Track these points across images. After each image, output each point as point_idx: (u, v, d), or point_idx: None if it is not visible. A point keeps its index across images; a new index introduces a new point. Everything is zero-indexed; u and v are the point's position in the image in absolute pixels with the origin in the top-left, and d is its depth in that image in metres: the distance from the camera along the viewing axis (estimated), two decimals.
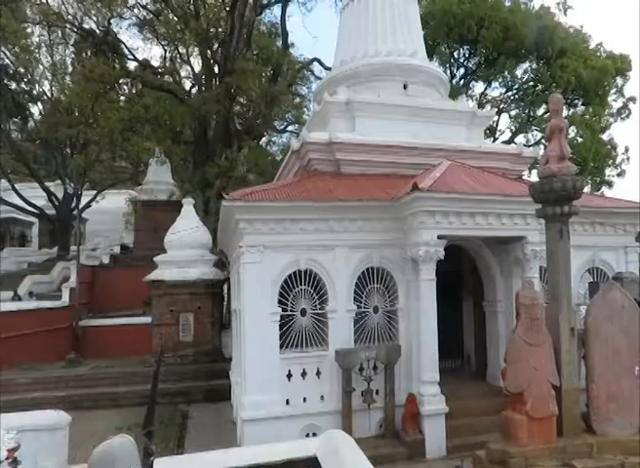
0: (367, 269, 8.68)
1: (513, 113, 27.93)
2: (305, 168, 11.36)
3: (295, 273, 8.38)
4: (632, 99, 25.06)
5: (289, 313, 8.29)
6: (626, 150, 25.23)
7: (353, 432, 7.46)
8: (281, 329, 8.17)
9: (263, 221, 8.22)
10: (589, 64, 23.05)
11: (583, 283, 9.54)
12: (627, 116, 25.10)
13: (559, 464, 5.48)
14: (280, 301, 8.25)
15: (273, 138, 30.03)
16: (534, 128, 26.65)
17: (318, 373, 8.07)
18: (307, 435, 7.57)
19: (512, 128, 26.74)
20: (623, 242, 10.13)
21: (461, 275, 11.02)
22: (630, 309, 6.30)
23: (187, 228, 13.91)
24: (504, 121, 28.71)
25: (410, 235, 8.42)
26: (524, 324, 5.85)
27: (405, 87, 12.54)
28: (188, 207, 15.49)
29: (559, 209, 6.24)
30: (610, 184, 24.65)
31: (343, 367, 7.70)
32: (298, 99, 27.49)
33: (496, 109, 22.17)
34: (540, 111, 26.24)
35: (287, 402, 7.85)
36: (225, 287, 14.68)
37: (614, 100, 25.45)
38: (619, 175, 25.05)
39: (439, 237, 7.99)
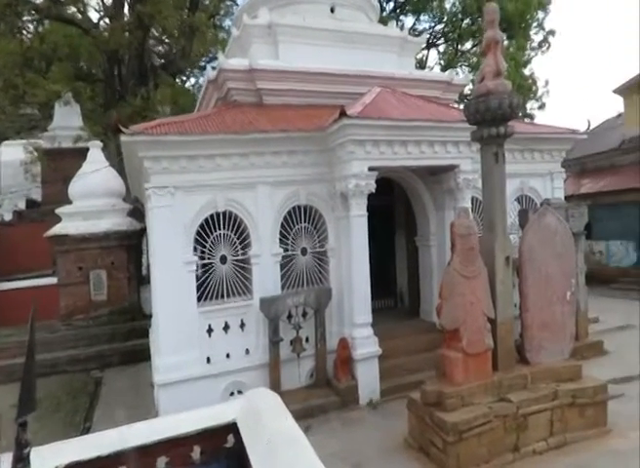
0: (293, 208, 7.89)
1: (442, 49, 27.45)
2: (224, 99, 10.15)
3: (212, 216, 7.41)
4: (552, 33, 25.30)
5: (207, 261, 7.40)
6: (546, 83, 25.79)
7: (282, 384, 7.00)
8: (199, 279, 7.29)
9: (173, 159, 7.08)
10: None
11: (513, 212, 9.42)
12: (547, 49, 25.41)
13: (495, 400, 5.29)
14: (196, 249, 7.31)
15: (200, 80, 27.64)
16: (461, 64, 26.37)
17: (242, 326, 7.36)
18: (232, 393, 6.96)
19: (441, 63, 26.27)
20: (550, 168, 10.07)
21: (393, 209, 10.59)
22: (564, 234, 6.07)
23: (95, 174, 12.26)
24: (433, 57, 28.22)
25: (339, 168, 7.67)
26: (459, 255, 5.41)
27: (332, 10, 11.43)
28: (95, 150, 13.66)
29: (495, 130, 5.72)
30: (532, 117, 25.21)
31: (270, 316, 7.04)
32: (223, 35, 25.19)
33: (426, 37, 21.38)
34: (468, 45, 25.92)
35: (208, 360, 7.11)
36: (145, 238, 13.41)
37: (535, 34, 25.57)
38: (540, 107, 25.68)
39: (370, 169, 7.31)
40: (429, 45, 26.12)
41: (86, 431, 6.96)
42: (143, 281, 12.60)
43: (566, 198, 10.43)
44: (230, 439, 2.97)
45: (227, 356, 7.25)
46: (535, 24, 25.21)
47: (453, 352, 5.41)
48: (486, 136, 5.79)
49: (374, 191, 7.40)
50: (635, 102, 17.71)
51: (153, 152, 6.93)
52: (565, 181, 10.47)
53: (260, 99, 9.76)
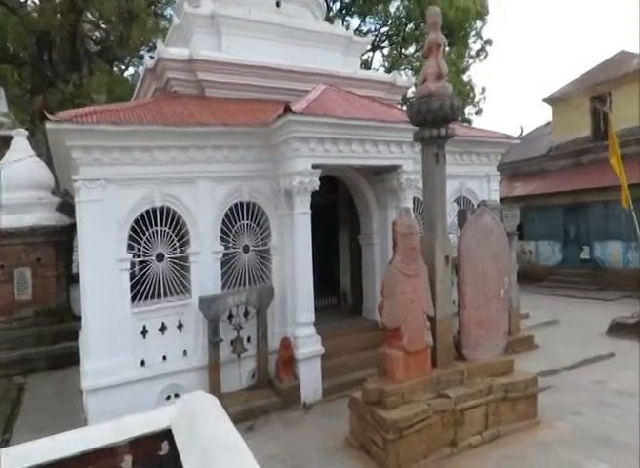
0: (235, 204, 7.65)
1: (386, 51, 28.03)
2: (163, 89, 9.70)
3: (148, 212, 7.01)
4: (489, 42, 26.58)
5: (142, 259, 7.00)
6: (483, 90, 27.09)
7: (222, 386, 6.77)
8: (133, 278, 6.89)
9: (105, 149, 6.62)
10: (454, 5, 23.59)
11: (452, 212, 9.72)
12: (485, 57, 26.67)
13: (434, 396, 5.38)
14: (131, 246, 6.90)
15: (140, 69, 26.31)
16: (405, 67, 27.05)
17: (180, 326, 7.03)
18: (168, 397, 6.63)
19: (386, 65, 26.83)
20: (487, 171, 10.50)
21: (337, 208, 10.60)
22: (499, 234, 6.30)
23: (19, 164, 11.30)
24: (378, 59, 28.75)
25: (283, 164, 7.53)
26: (401, 254, 5.45)
27: (278, 4, 11.26)
28: (20, 138, 12.56)
29: (436, 131, 5.82)
30: (469, 122, 26.33)
31: (209, 316, 6.76)
32: (165, 24, 24.17)
33: (371, 38, 21.71)
34: (412, 49, 26.63)
35: (142, 362, 6.73)
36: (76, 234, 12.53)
37: (473, 42, 26.73)
38: (477, 113, 26.91)
39: (314, 166, 7.22)
40: (374, 47, 26.56)
41: (5, 443, 6.33)
42: (74, 280, 11.79)
43: (500, 200, 10.92)
44: (165, 446, 2.82)
45: (164, 358, 6.89)
46: (473, 33, 26.35)
47: (394, 350, 5.45)
48: (427, 136, 5.88)
49: (318, 189, 7.34)
50: (562, 112, 18.95)
51: (83, 142, 6.45)
52: (499, 184, 10.96)
53: (201, 91, 9.44)
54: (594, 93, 17.53)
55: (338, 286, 10.65)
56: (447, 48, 25.83)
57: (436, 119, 5.78)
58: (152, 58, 9.75)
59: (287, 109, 6.83)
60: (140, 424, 3.57)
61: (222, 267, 7.45)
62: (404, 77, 26.81)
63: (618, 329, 9.99)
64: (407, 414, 5.03)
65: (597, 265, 15.93)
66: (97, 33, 21.99)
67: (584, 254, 16.60)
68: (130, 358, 6.58)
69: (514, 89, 53.29)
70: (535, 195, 17.85)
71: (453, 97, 5.82)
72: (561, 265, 17.17)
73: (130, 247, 6.89)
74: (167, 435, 3.31)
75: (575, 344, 9.37)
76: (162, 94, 9.62)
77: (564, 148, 18.74)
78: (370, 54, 26.87)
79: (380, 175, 8.57)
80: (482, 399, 5.60)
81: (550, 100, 19.54)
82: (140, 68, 26.26)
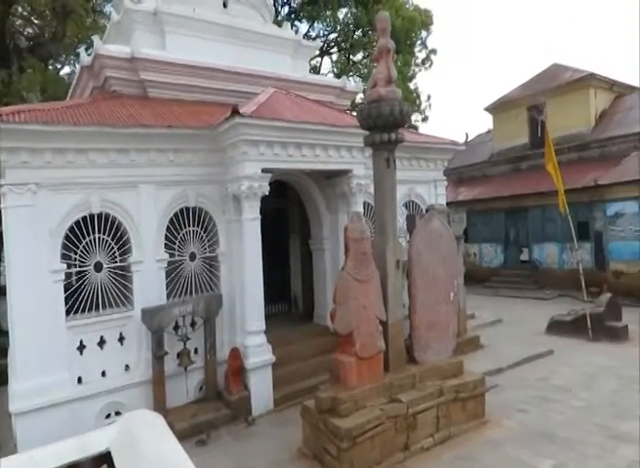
0: (181, 210, 7.33)
1: (335, 58, 28.30)
2: (102, 89, 9.21)
3: (85, 218, 6.55)
4: (434, 51, 27.49)
5: (79, 269, 6.53)
6: (429, 98, 27.97)
7: (168, 401, 6.43)
8: (68, 290, 6.40)
9: (34, 151, 6.13)
10: (400, 14, 24.23)
11: (401, 217, 9.85)
12: (430, 66, 27.55)
13: (387, 401, 5.35)
14: (66, 255, 6.41)
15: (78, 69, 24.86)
16: (353, 74, 27.43)
17: (121, 340, 6.61)
18: (109, 416, 6.21)
19: (335, 71, 27.09)
20: (434, 176, 10.75)
21: (287, 212, 10.46)
22: (448, 238, 6.40)
23: None
24: (327, 65, 28.97)
25: (231, 169, 7.30)
26: (353, 259, 5.40)
27: (225, 5, 11.01)
28: None
29: (387, 135, 5.84)
30: (416, 129, 27.09)
31: (153, 328, 6.40)
32: (105, 22, 23.09)
33: (320, 43, 21.86)
34: (360, 56, 27.05)
35: (79, 380, 6.26)
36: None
37: (419, 51, 27.56)
38: (423, 120, 27.72)
39: (264, 170, 7.05)
40: (323, 53, 26.74)
41: None
42: (1, 292, 10.88)
43: (446, 204, 11.21)
44: None
45: (103, 374, 6.44)
46: (419, 42, 27.18)
47: (346, 356, 5.37)
48: (378, 141, 5.89)
49: (267, 194, 7.17)
50: (502, 120, 19.88)
51: (8, 143, 5.93)
52: (445, 189, 11.26)
53: (143, 92, 9.04)
54: (531, 102, 18.53)
55: (289, 292, 10.50)
56: (394, 55, 26.51)
57: (387, 124, 5.80)
58: (90, 54, 9.22)
59: (235, 112, 6.64)
60: (76, 448, 3.24)
61: (167, 276, 7.09)
62: (353, 83, 27.32)
63: (556, 326, 10.50)
64: (360, 421, 4.96)
65: (535, 266, 16.78)
66: (29, 29, 20.69)
67: (524, 256, 17.44)
68: (65, 375, 6.09)
69: (458, 97, 55.56)
70: (478, 200, 18.56)
71: (402, 103, 5.87)
72: (503, 267, 17.93)
73: (65, 256, 6.40)
74: (106, 458, 3.02)
75: (518, 343, 9.74)
76: (100, 93, 9.11)
77: (504, 155, 19.66)
78: (319, 60, 27.03)
79: (331, 180, 8.53)
80: (434, 401, 5.64)
81: (491, 109, 20.47)
82: (78, 67, 24.95)
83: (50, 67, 24.44)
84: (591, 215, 14.83)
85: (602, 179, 14.19)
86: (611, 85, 17.83)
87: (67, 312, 6.29)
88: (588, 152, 16.63)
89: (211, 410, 6.54)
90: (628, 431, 5.70)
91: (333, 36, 27.25)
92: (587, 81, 17.10)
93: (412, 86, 27.12)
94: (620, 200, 13.87)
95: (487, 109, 20.61)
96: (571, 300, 13.53)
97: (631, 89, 18.15)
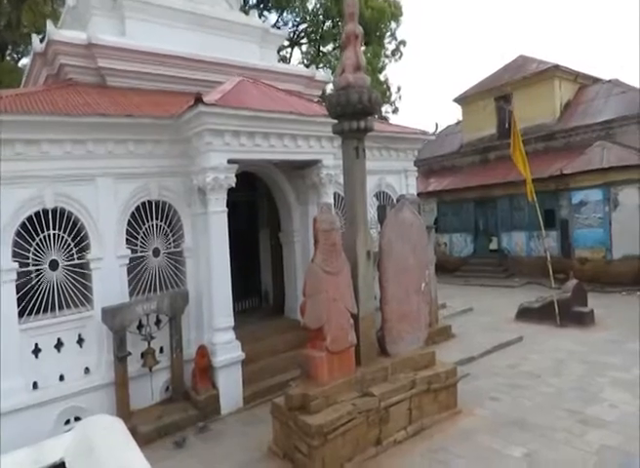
0: (143, 203, 6.99)
1: (305, 48, 27.98)
2: (57, 77, 8.75)
3: (38, 214, 6.15)
4: (403, 43, 27.54)
5: (32, 268, 6.14)
6: (399, 89, 28.03)
7: (132, 404, 6.15)
8: (20, 291, 6.01)
9: None
10: (370, 5, 24.08)
11: (372, 207, 9.75)
12: (400, 58, 27.57)
13: (359, 395, 5.23)
14: (17, 254, 6.01)
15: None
16: (323, 65, 27.18)
17: (80, 341, 6.27)
18: (68, 421, 5.89)
19: (304, 61, 26.77)
20: (404, 166, 10.70)
21: (256, 205, 10.22)
22: (419, 228, 6.33)
23: None
24: (297, 56, 28.60)
25: (195, 160, 7.02)
26: (322, 251, 5.24)
27: None
28: None
29: (356, 123, 5.67)
30: (387, 120, 27.13)
31: (114, 328, 6.08)
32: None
33: (288, 31, 21.49)
34: (330, 47, 26.80)
35: (34, 385, 5.91)
36: None
37: (388, 43, 27.53)
38: (394, 111, 27.78)
39: (230, 161, 6.79)
40: (293, 43, 26.37)
41: None
42: None
43: (417, 195, 11.19)
44: None
45: (61, 378, 6.10)
46: (388, 34, 27.12)
47: (317, 351, 5.23)
48: (347, 129, 5.72)
49: (234, 186, 6.92)
50: (470, 111, 20.05)
51: None
52: (416, 179, 11.23)
53: (102, 80, 8.64)
54: (498, 94, 18.73)
55: (259, 286, 10.28)
56: (363, 47, 26.40)
57: (355, 111, 5.62)
58: (42, 41, 8.70)
59: (198, 100, 6.34)
60: (27, 459, 3.00)
61: (130, 273, 6.77)
62: (322, 73, 27.08)
63: (525, 313, 10.67)
64: (331, 418, 4.83)
65: (504, 255, 17.06)
66: None
67: (493, 245, 17.71)
68: (19, 381, 5.72)
69: (428, 89, 56.00)
70: (448, 190, 18.71)
71: (371, 90, 5.71)
72: (473, 256, 18.17)
73: (17, 254, 6.01)
74: None
75: (488, 331, 9.84)
76: (54, 82, 8.64)
77: (473, 145, 19.86)
78: (289, 50, 26.66)
79: (300, 171, 8.34)
80: (406, 393, 5.57)
81: (459, 100, 20.60)
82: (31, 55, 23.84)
83: (8, 58, 23.28)
84: (557, 204, 15.14)
85: (567, 169, 14.48)
86: (575, 76, 18.19)
87: (21, 314, 5.91)
88: (554, 142, 16.96)
89: (178, 411, 6.29)
90: (596, 415, 5.78)
91: (302, 27, 26.94)
92: (552, 72, 17.39)
93: (382, 77, 27.13)
94: (585, 188, 14.18)
95: (456, 100, 20.74)
96: (539, 287, 13.81)
97: (594, 80, 18.57)
